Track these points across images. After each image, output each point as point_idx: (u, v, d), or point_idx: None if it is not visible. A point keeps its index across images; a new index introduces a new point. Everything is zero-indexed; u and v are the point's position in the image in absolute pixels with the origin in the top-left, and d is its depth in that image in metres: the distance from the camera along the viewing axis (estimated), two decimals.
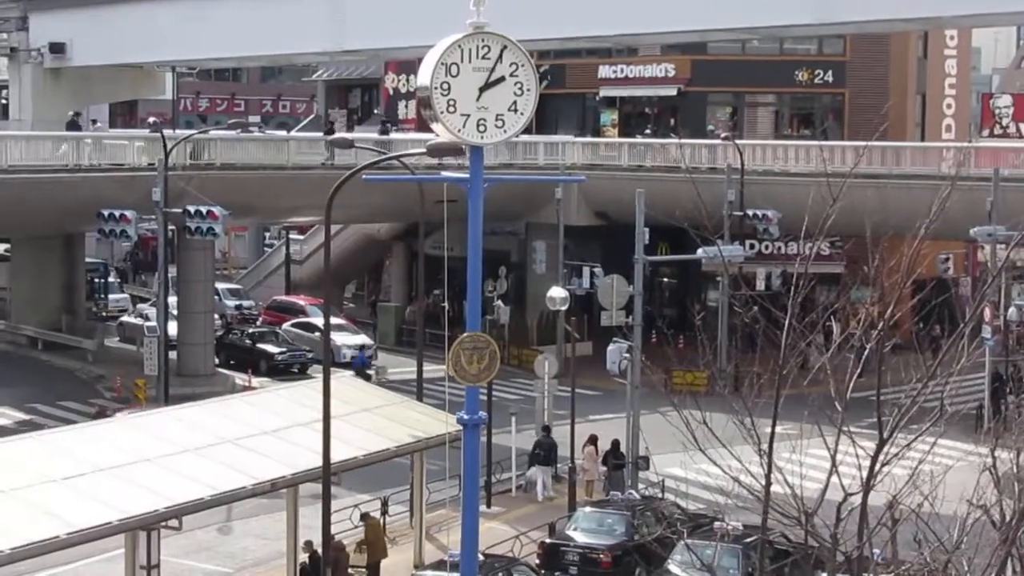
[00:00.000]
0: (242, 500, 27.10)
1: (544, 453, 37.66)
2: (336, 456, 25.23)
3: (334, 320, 49.11)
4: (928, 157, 53.18)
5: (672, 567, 27.67)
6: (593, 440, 37.93)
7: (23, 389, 49.26)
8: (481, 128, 16.76)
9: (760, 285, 50.65)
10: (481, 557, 23.09)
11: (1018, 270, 50.56)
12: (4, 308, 62.28)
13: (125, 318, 61.94)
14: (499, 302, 58.15)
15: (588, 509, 32.23)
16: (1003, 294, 45.19)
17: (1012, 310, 45.63)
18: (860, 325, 15.82)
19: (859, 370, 15.79)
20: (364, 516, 30.33)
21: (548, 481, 37.35)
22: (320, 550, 26.64)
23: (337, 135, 44.25)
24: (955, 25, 59.11)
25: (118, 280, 73.80)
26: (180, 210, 45.26)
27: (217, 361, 54.10)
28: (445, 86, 16.57)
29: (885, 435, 15.36)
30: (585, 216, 58.59)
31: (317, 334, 54.92)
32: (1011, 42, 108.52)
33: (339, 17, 52.18)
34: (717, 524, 24.15)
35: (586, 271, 51.82)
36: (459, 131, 16.70)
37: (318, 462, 24.75)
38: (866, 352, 15.75)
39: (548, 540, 30.98)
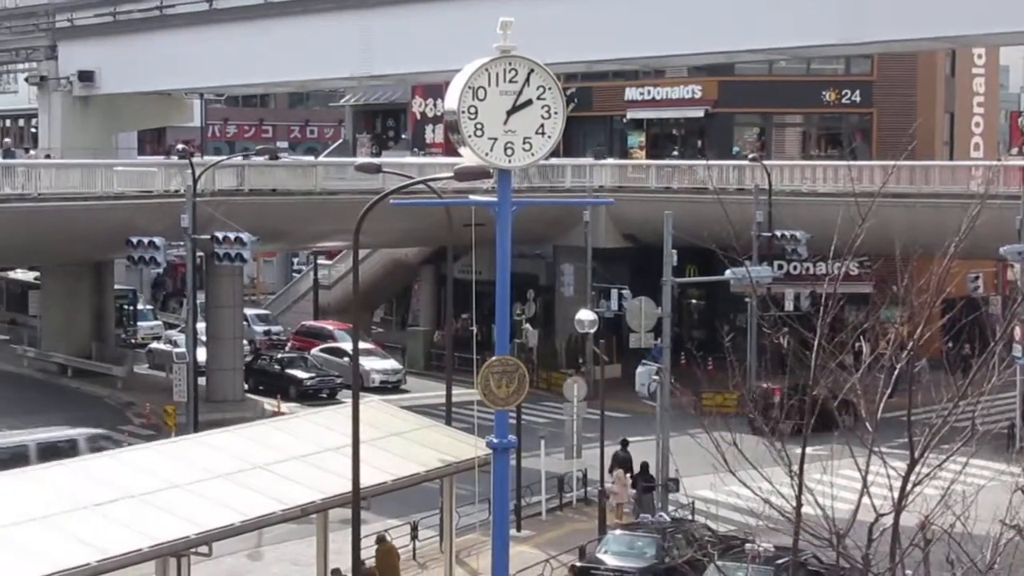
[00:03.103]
0: (272, 526, 27.08)
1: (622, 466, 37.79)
2: (366, 481, 25.22)
3: (363, 345, 49.23)
4: (957, 176, 52.99)
5: None
6: (620, 462, 37.89)
7: (53, 416, 49.29)
8: (508, 151, 16.80)
9: (789, 306, 50.49)
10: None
11: None
12: (34, 335, 62.53)
13: (154, 345, 62.14)
14: (527, 325, 58.12)
15: (618, 532, 32.16)
16: None
17: None
18: (890, 345, 15.77)
19: (890, 390, 15.73)
20: (380, 540, 30.10)
21: (631, 491, 37.30)
22: None
23: (363, 159, 44.33)
24: (982, 43, 58.96)
25: (151, 307, 74.01)
26: (208, 236, 45.41)
27: (246, 387, 54.20)
28: (472, 110, 16.62)
29: (916, 455, 15.31)
30: (613, 238, 58.54)
31: (346, 359, 54.99)
32: None
33: (366, 42, 52.34)
34: (748, 546, 24.04)
35: (614, 293, 51.75)
36: (487, 155, 16.73)
37: (348, 487, 24.74)
38: (896, 372, 15.70)
39: (578, 563, 30.93)
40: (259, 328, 66.14)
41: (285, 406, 50.63)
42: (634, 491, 37.29)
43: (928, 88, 63.72)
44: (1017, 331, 41.65)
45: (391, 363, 58.53)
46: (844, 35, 41.68)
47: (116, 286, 64.51)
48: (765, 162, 54.32)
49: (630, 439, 39.69)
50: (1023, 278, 43.90)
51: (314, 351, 59.48)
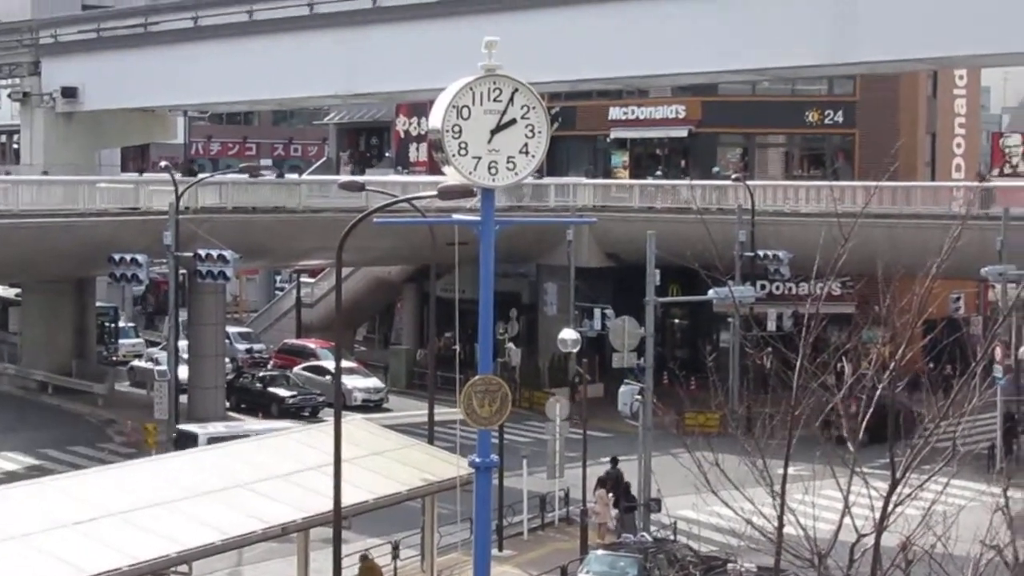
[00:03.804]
0: (253, 544, 27.01)
1: (611, 483, 37.74)
2: (347, 500, 25.16)
3: (345, 363, 49.17)
4: (939, 197, 53.22)
5: None
6: (602, 482, 37.86)
7: (33, 434, 49.24)
8: (492, 170, 16.80)
9: (771, 326, 50.56)
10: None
11: None
12: (15, 352, 62.32)
13: (136, 362, 61.98)
14: (510, 344, 58.10)
15: (600, 552, 32.11)
16: (1014, 333, 45.09)
17: (1023, 349, 45.49)
18: (872, 365, 15.79)
19: (871, 410, 15.74)
20: (363, 558, 30.07)
21: (614, 511, 37.28)
22: None
23: (347, 178, 44.33)
24: (964, 65, 59.22)
25: (133, 325, 73.83)
26: (191, 254, 45.35)
27: (228, 405, 54.04)
28: (456, 129, 16.62)
29: (898, 475, 15.32)
30: (596, 257, 58.60)
31: (328, 377, 54.89)
32: (1020, 81, 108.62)
33: (351, 60, 52.37)
34: (730, 566, 24.06)
35: (597, 313, 51.78)
36: (470, 173, 16.72)
37: (329, 506, 24.68)
38: (878, 392, 15.72)
39: None
40: (241, 346, 66.02)
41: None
42: (616, 511, 37.25)
43: (910, 109, 63.95)
44: (998, 351, 41.80)
45: (373, 381, 58.42)
46: (829, 56, 41.82)
47: (98, 303, 64.35)
48: (748, 182, 54.44)
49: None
50: (1004, 299, 44.05)
51: (296, 369, 59.37)
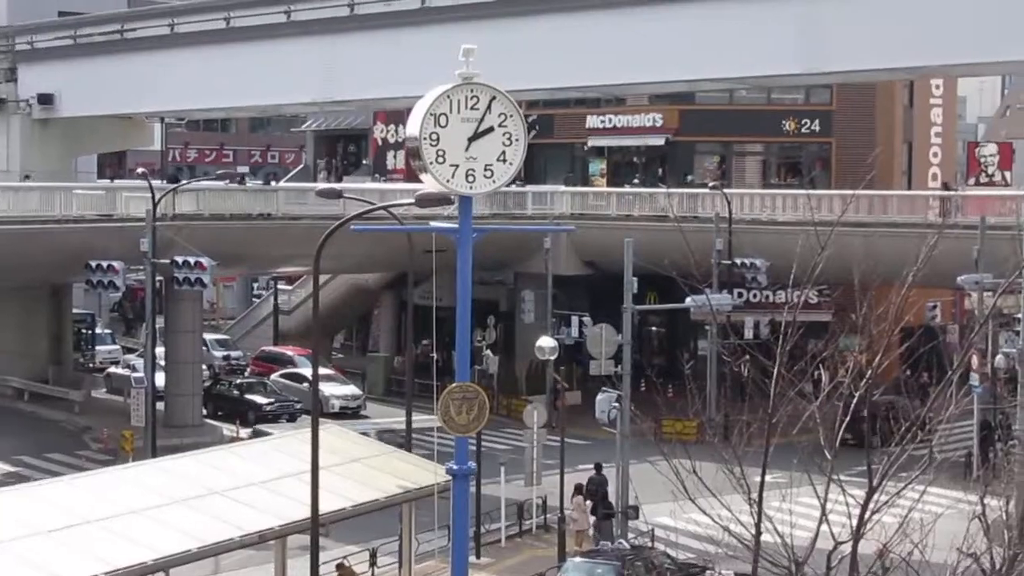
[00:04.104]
0: (230, 552, 26.92)
1: (595, 489, 37.73)
2: (325, 507, 25.09)
3: (322, 370, 49.10)
4: (915, 205, 53.37)
5: None
6: (580, 490, 37.88)
7: (9, 441, 49.00)
8: (470, 178, 16.80)
9: (748, 334, 50.64)
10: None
11: (1005, 318, 50.70)
12: None
13: (113, 369, 61.80)
14: (488, 352, 58.07)
15: (578, 559, 32.10)
16: (990, 341, 45.24)
17: (1000, 357, 45.63)
18: (848, 373, 15.85)
19: (848, 418, 15.79)
20: (339, 566, 30.05)
21: (591, 518, 37.32)
22: None
23: (324, 185, 44.27)
24: (940, 74, 59.45)
25: (110, 332, 73.61)
26: (168, 261, 45.23)
27: (205, 412, 53.91)
28: (434, 136, 16.61)
29: (875, 483, 15.36)
30: (574, 265, 58.62)
31: (305, 384, 54.79)
32: (996, 91, 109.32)
33: (329, 67, 52.28)
34: (708, 573, 24.09)
35: (575, 320, 51.80)
36: (448, 181, 16.72)
37: (307, 513, 24.62)
38: (855, 400, 15.77)
39: None
40: (218, 353, 65.87)
41: (244, 431, 50.37)
42: (594, 518, 37.25)
43: (887, 118, 64.15)
44: (974, 360, 41.94)
45: (351, 389, 58.35)
46: (806, 65, 41.92)
47: (74, 310, 64.13)
48: (725, 190, 54.54)
49: (592, 466, 39.63)
50: (980, 307, 44.18)
51: (274, 376, 59.26)
